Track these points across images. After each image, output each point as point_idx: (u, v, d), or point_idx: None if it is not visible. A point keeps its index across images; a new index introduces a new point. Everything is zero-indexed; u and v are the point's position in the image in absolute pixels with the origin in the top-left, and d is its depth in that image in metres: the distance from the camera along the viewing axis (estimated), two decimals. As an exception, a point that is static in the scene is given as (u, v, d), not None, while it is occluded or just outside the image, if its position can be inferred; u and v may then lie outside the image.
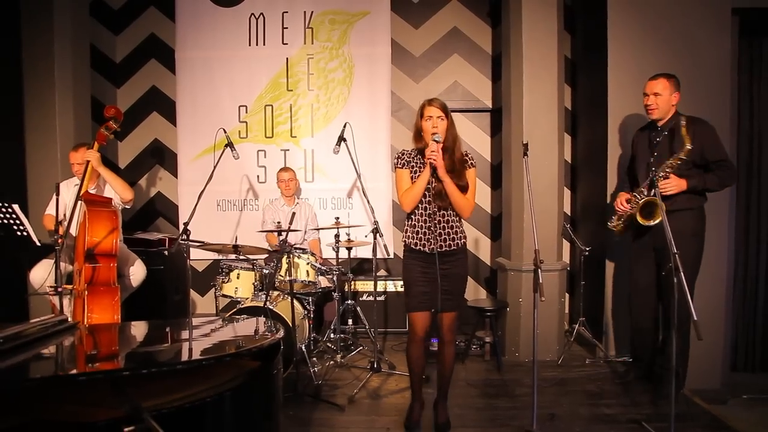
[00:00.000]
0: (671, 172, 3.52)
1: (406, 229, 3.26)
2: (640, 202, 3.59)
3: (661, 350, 3.85)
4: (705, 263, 3.92)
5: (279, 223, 4.56)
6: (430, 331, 3.28)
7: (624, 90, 4.39)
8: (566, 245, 5.41)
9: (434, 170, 3.08)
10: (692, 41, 4.26)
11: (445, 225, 3.17)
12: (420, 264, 3.19)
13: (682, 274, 2.76)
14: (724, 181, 3.60)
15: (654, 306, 3.87)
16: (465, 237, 3.27)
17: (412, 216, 3.23)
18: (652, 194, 3.41)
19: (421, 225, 3.18)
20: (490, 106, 5.87)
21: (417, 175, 3.17)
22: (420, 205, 3.18)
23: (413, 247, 3.21)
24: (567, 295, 4.95)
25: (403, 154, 3.27)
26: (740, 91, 4.49)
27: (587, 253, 4.73)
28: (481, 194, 5.95)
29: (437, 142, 3.05)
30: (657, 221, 3.45)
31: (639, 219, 3.56)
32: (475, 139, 5.95)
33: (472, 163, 3.24)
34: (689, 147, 3.42)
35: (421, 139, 3.20)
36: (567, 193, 5.60)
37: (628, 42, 4.39)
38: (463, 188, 3.16)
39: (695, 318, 2.62)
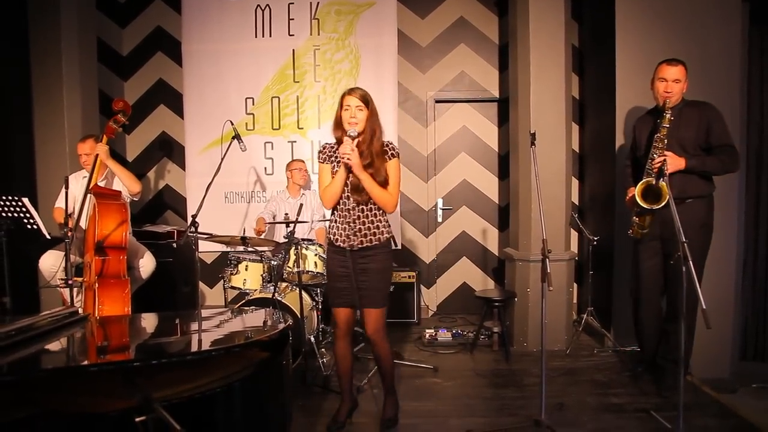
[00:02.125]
0: (662, 148, 3.43)
1: (330, 225, 3.20)
2: (639, 186, 3.48)
3: (665, 341, 3.82)
4: (714, 252, 3.90)
5: (287, 214, 4.57)
6: (354, 326, 3.29)
7: (632, 79, 4.36)
8: (574, 235, 5.40)
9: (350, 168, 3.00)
10: (701, 29, 4.21)
11: (365, 220, 3.08)
12: (339, 259, 3.12)
13: (690, 262, 2.75)
14: (725, 165, 3.50)
15: (659, 297, 3.82)
16: (388, 232, 3.15)
17: (335, 211, 3.16)
18: (660, 181, 3.36)
19: (341, 221, 3.11)
20: (497, 96, 5.84)
21: (336, 170, 3.09)
22: (340, 200, 3.11)
23: (333, 242, 3.14)
24: (575, 284, 4.94)
25: (324, 148, 3.20)
26: (750, 80, 4.44)
27: (595, 242, 4.72)
28: (489, 184, 5.95)
29: (351, 137, 2.97)
30: (662, 204, 3.34)
31: (641, 202, 3.44)
32: (482, 128, 5.94)
33: (392, 154, 3.10)
34: (668, 114, 3.40)
35: (340, 129, 3.08)
36: (575, 182, 5.58)
37: (636, 30, 4.35)
38: (383, 183, 3.05)
39: (704, 307, 2.60)
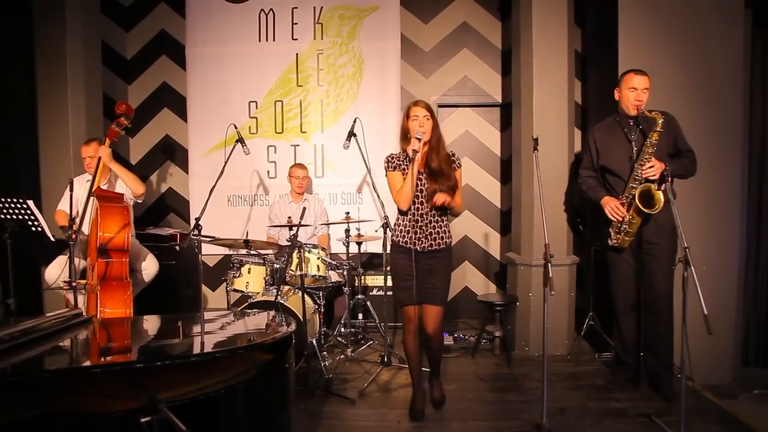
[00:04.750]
0: (652, 153, 3.47)
1: (395, 228, 3.38)
2: (637, 192, 3.50)
3: (649, 349, 3.77)
4: (715, 257, 3.90)
5: (290, 218, 4.58)
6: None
7: (634, 84, 4.36)
8: (576, 240, 5.40)
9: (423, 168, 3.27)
10: (704, 35, 4.21)
11: (435, 225, 3.32)
12: (408, 259, 3.28)
13: (692, 268, 2.75)
14: (691, 168, 3.64)
15: (638, 303, 3.81)
16: (451, 236, 3.40)
17: (404, 215, 3.33)
18: (662, 188, 3.37)
19: (413, 224, 3.30)
20: (500, 101, 5.86)
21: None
22: (413, 207, 3.29)
23: (402, 244, 3.32)
24: (577, 289, 4.93)
25: (392, 158, 3.37)
26: (753, 86, 4.44)
27: (597, 247, 4.72)
28: (491, 189, 5.95)
29: (419, 139, 3.19)
30: (658, 209, 3.42)
31: (642, 208, 3.47)
32: (485, 133, 5.95)
33: (459, 164, 3.41)
34: (662, 120, 3.41)
35: (407, 140, 3.31)
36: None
37: (639, 36, 4.35)
38: (453, 188, 3.29)
39: (705, 312, 2.61)
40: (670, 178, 3.27)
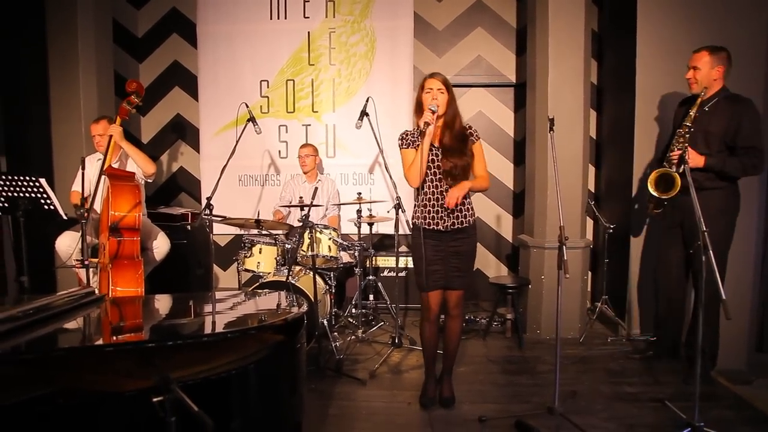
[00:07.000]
0: (684, 143, 3.40)
1: (416, 209, 3.26)
2: (653, 175, 3.50)
3: (691, 330, 3.77)
4: (733, 243, 3.84)
5: (301, 198, 4.56)
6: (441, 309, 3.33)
7: (653, 65, 4.27)
8: (589, 222, 5.35)
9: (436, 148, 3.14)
10: (726, 13, 4.11)
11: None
12: (431, 242, 3.18)
13: (711, 252, 2.70)
14: (746, 168, 3.44)
15: (683, 284, 3.81)
16: (474, 214, 3.27)
17: (422, 195, 3.22)
18: (681, 170, 3.33)
19: (433, 204, 3.18)
20: (514, 81, 5.77)
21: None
22: (431, 184, 3.18)
23: (425, 226, 3.19)
24: (590, 272, 4.90)
25: (406, 135, 3.25)
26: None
27: (611, 230, 4.67)
28: (504, 170, 5.89)
29: (432, 111, 3.05)
30: (672, 194, 3.41)
31: (652, 190, 3.49)
32: (499, 114, 5.87)
33: (477, 136, 3.22)
34: (695, 113, 3.39)
35: (421, 113, 3.16)
36: (591, 169, 5.51)
37: (658, 15, 4.25)
38: (467, 166, 3.15)
39: (723, 297, 2.57)
40: (689, 161, 3.19)
